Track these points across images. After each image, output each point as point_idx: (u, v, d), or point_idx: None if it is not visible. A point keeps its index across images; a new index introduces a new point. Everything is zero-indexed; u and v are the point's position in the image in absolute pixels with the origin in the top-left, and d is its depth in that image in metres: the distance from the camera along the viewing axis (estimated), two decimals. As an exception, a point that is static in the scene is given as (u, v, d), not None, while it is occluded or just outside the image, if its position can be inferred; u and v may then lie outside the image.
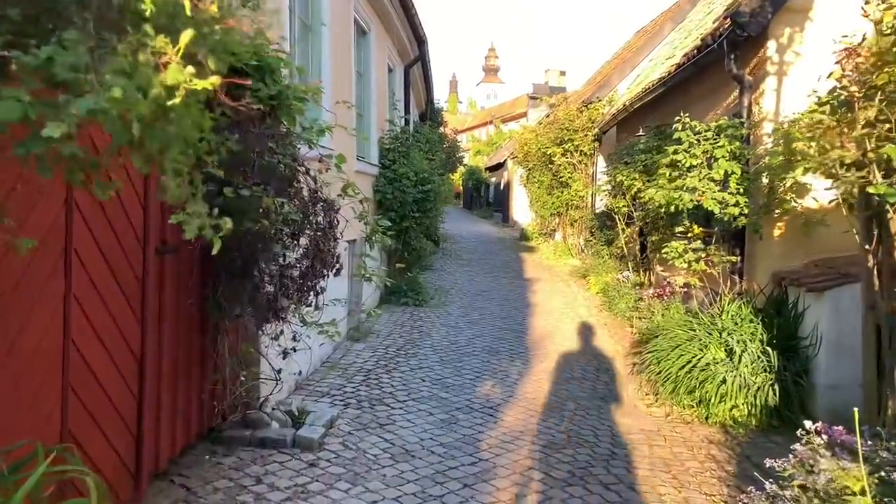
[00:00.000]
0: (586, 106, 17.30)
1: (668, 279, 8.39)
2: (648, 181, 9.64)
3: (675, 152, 6.59)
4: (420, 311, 9.80)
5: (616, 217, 11.08)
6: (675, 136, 6.66)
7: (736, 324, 6.18)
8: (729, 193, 6.00)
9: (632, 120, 13.56)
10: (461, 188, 58.16)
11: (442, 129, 21.61)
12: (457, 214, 44.52)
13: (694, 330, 6.39)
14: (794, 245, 6.44)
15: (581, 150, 17.36)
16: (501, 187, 38.24)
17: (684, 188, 6.35)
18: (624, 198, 10.58)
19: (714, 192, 6.13)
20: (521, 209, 29.42)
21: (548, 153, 18.04)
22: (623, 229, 10.98)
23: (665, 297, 8.35)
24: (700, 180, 6.25)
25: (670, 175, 7.06)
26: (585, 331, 9.23)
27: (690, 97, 9.06)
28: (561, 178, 17.96)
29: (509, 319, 9.69)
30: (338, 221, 4.50)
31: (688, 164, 6.33)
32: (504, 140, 51.46)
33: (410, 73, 14.08)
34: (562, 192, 18.50)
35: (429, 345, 7.89)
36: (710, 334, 6.24)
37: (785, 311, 6.24)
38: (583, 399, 6.37)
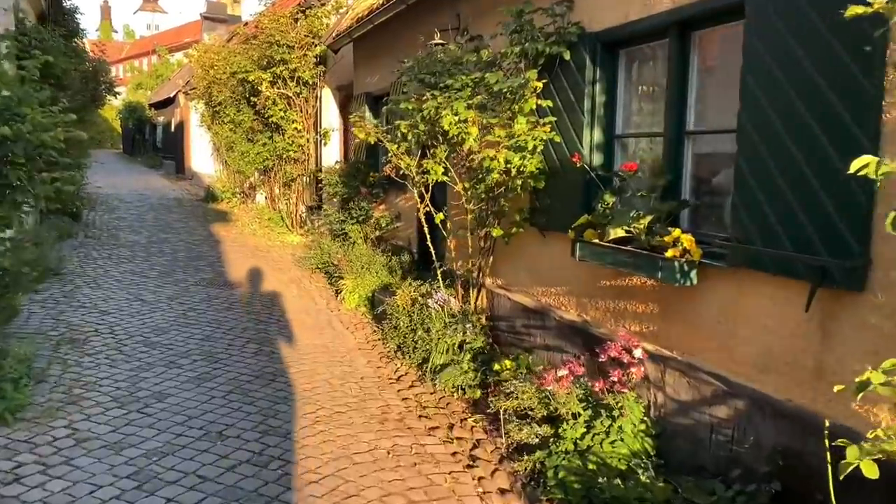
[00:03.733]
0: (303, 12, 11.86)
1: (611, 342, 3.77)
2: (493, 124, 4.94)
3: None
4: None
5: (414, 188, 6.11)
6: None
7: None
8: None
9: (390, 30, 8.68)
10: (119, 129, 47.63)
11: (80, 41, 14.28)
12: (115, 163, 35.39)
13: None
14: None
15: (300, 79, 11.95)
16: (173, 129, 30.56)
17: None
18: (431, 151, 5.66)
19: None
20: (203, 157, 22.97)
21: (249, 81, 12.26)
22: (434, 212, 6.04)
23: (605, 389, 3.74)
24: None
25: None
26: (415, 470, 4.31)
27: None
28: (269, 117, 12.39)
29: (245, 443, 4.31)
30: None
31: None
32: (172, 72, 42.60)
33: None
34: (270, 139, 12.95)
35: None
36: None
37: None
38: None
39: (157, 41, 63.01)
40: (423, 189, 5.95)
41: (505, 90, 4.73)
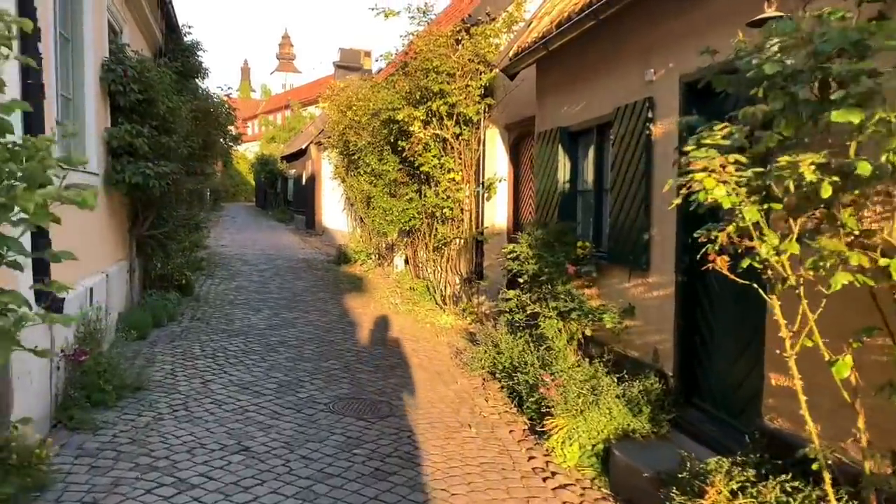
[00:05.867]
0: (467, 31, 9.24)
1: None
2: None
3: None
4: None
5: (771, 295, 2.95)
6: None
7: None
8: None
9: (617, 29, 5.84)
10: (253, 182, 47.95)
11: (201, 81, 12.49)
12: (246, 217, 34.82)
13: None
14: None
15: (460, 116, 9.29)
16: (304, 182, 29.33)
17: None
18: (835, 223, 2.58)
19: None
20: (334, 212, 21.03)
21: (396, 121, 9.75)
22: (828, 354, 2.86)
23: None
24: None
25: None
26: None
27: None
28: (419, 166, 9.78)
29: None
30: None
31: None
32: (304, 124, 42.22)
33: None
34: (418, 193, 10.36)
35: None
36: None
37: None
38: None
39: (290, 96, 64.45)
40: (797, 295, 2.81)
41: None
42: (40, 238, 4.44)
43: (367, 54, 43.56)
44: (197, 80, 12.01)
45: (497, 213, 9.63)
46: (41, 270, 4.48)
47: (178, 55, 11.39)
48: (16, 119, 4.24)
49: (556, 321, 6.15)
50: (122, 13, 8.40)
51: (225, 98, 12.97)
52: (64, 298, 4.68)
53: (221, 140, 11.69)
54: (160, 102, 7.70)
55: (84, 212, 6.78)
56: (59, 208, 5.47)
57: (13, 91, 4.18)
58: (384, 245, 14.39)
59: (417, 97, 9.36)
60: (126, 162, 7.24)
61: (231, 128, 14.50)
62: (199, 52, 12.11)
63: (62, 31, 6.02)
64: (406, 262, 12.88)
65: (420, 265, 11.87)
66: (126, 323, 7.35)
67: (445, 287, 10.33)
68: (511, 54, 8.12)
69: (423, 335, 8.83)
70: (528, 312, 6.55)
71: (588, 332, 6.13)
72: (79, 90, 6.42)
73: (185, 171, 9.25)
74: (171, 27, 11.03)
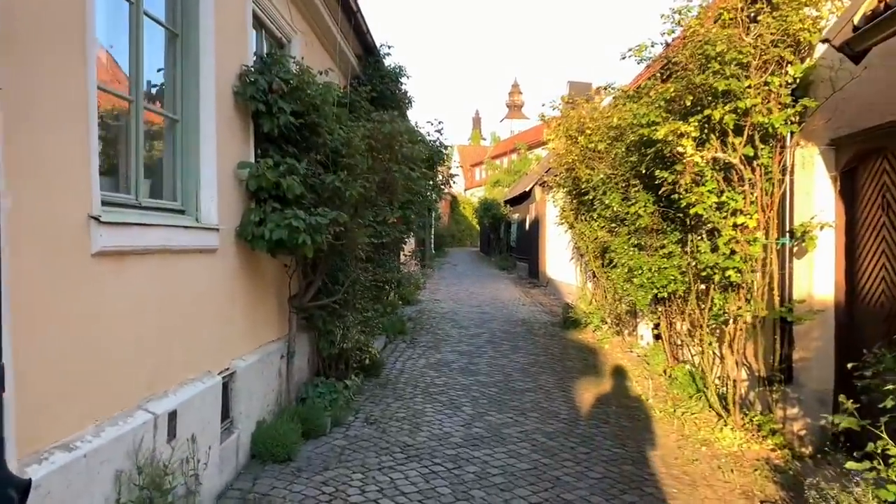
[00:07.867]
0: (768, 2, 6.04)
1: None
2: None
3: None
4: None
5: None
6: None
7: None
8: None
9: None
10: (478, 226, 47.02)
11: (403, 107, 10.58)
12: (467, 263, 33.36)
13: None
14: None
15: (756, 129, 6.07)
16: (527, 226, 27.06)
17: None
18: None
19: None
20: (560, 261, 18.35)
21: (653, 142, 6.78)
22: None
23: None
24: None
25: None
26: None
27: None
28: (685, 206, 6.67)
29: None
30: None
31: None
32: (529, 166, 40.26)
33: None
34: (680, 244, 7.24)
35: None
36: None
37: None
38: None
39: (517, 140, 63.70)
40: None
41: None
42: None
43: (598, 91, 40.83)
44: (403, 109, 10.12)
45: (816, 279, 6.15)
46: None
47: (377, 81, 9.52)
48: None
49: None
50: (290, 20, 6.49)
51: (435, 134, 10.90)
52: (30, 480, 2.39)
53: (429, 184, 9.55)
54: (324, 129, 5.56)
55: (183, 285, 4.08)
56: (115, 275, 2.69)
57: None
58: (624, 307, 11.28)
59: (686, 104, 6.31)
60: (270, 209, 5.12)
61: (441, 169, 12.44)
62: (401, 79, 10.20)
63: (152, 14, 4.01)
64: (659, 336, 9.65)
65: (679, 343, 8.61)
66: (264, 439, 5.14)
67: (727, 385, 6.97)
68: (858, 18, 4.82)
69: (699, 470, 5.62)
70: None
71: None
72: (191, 108, 4.39)
73: (373, 220, 7.13)
74: (366, 47, 9.17)
